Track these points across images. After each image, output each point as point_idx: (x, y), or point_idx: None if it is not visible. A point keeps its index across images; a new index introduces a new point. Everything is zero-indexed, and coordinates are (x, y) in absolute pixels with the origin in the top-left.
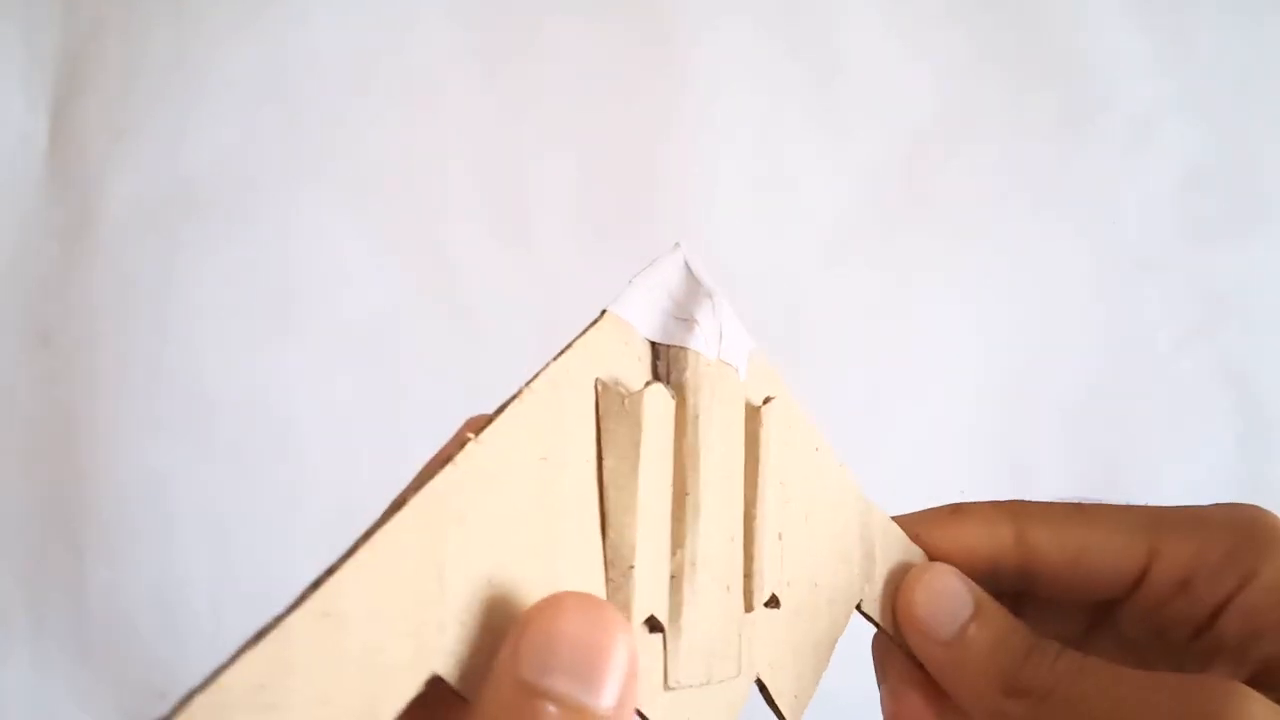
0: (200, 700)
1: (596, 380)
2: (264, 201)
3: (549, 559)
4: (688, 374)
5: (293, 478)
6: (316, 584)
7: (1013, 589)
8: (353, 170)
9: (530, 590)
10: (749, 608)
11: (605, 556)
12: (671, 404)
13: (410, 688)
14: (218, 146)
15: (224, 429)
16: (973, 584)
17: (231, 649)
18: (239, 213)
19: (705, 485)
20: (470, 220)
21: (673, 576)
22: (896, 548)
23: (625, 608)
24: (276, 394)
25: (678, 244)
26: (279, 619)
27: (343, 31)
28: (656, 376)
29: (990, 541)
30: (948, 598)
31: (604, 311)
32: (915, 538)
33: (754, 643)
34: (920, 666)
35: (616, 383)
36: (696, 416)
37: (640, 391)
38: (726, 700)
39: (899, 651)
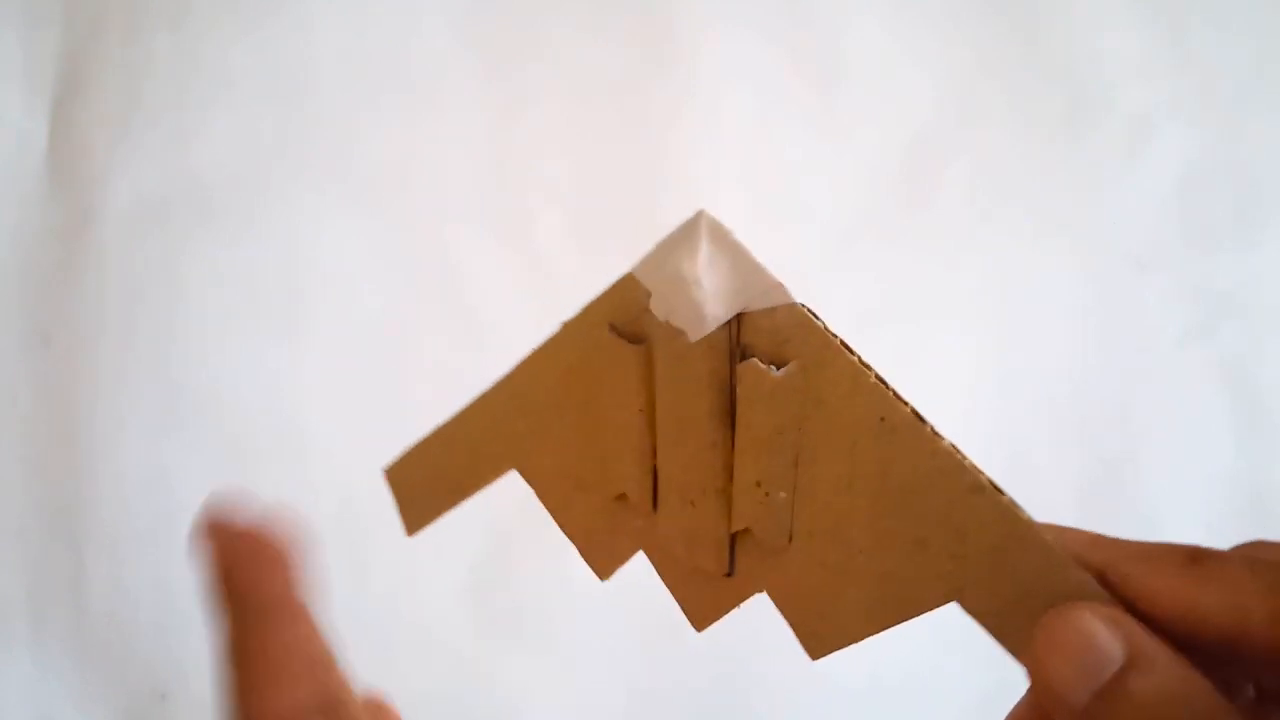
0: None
1: (610, 325)
2: (264, 201)
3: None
4: (650, 328)
5: (294, 478)
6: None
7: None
8: (354, 170)
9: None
10: (730, 529)
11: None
12: (631, 352)
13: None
14: (218, 146)
15: (225, 429)
16: (1132, 625)
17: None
18: (239, 212)
19: (665, 423)
20: (471, 220)
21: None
22: (1033, 564)
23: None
24: (277, 393)
25: (700, 210)
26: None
27: (344, 32)
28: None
29: (1234, 617)
30: (1083, 650)
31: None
32: (1117, 574)
33: (763, 565)
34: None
35: (622, 328)
36: (652, 365)
37: (608, 345)
38: (714, 584)
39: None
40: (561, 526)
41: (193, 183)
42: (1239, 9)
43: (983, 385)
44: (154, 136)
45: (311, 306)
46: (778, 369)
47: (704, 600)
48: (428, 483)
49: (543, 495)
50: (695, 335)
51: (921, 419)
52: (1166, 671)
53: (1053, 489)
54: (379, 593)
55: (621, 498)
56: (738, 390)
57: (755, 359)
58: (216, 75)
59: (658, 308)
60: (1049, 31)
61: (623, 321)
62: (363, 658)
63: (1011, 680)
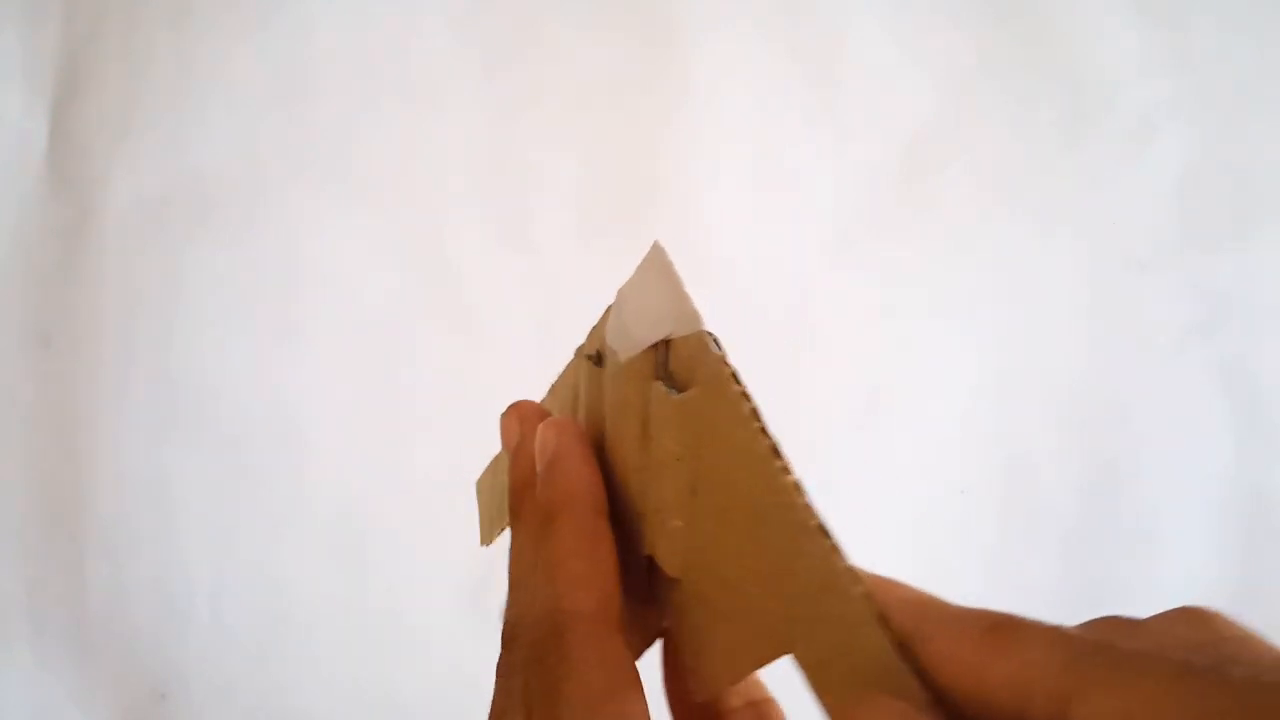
0: None
1: (596, 351)
2: (264, 201)
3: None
4: (606, 351)
5: (294, 478)
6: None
7: None
8: (354, 171)
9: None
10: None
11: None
12: (596, 378)
13: None
14: (218, 147)
15: (225, 429)
16: None
17: (232, 649)
18: (239, 213)
19: (610, 432)
20: (471, 220)
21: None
22: (840, 621)
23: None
24: (277, 393)
25: (656, 240)
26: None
27: (344, 33)
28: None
29: (1022, 693)
30: None
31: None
32: (920, 637)
33: (666, 596)
34: None
35: (598, 354)
36: (601, 379)
37: (587, 368)
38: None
39: None
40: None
41: (193, 183)
42: (1239, 9)
43: (983, 384)
44: (154, 136)
45: (311, 306)
46: (678, 393)
47: (644, 626)
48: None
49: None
50: (622, 356)
51: (778, 453)
52: None
53: (1053, 489)
54: (379, 593)
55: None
56: (649, 413)
57: (660, 382)
58: (217, 75)
59: (608, 331)
60: (1050, 32)
61: (598, 349)
62: (363, 658)
63: None
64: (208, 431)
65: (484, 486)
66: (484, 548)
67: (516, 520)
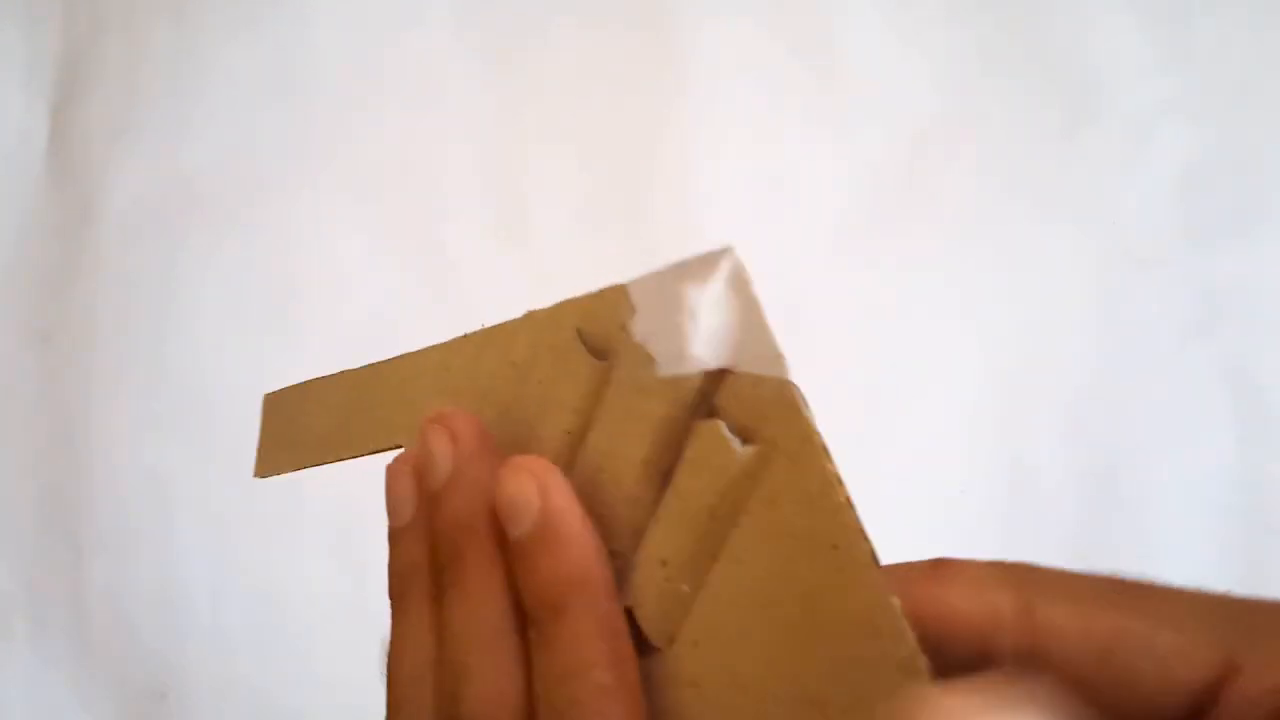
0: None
1: (577, 330)
2: (264, 200)
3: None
4: (620, 348)
5: (293, 477)
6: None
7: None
8: (353, 169)
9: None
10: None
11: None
12: (588, 366)
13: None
14: (218, 146)
15: (224, 429)
16: None
17: (232, 649)
18: (239, 212)
19: (589, 458)
20: (470, 219)
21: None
22: None
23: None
24: None
25: (730, 247)
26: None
27: (343, 31)
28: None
29: (981, 611)
30: None
31: (619, 285)
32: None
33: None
34: None
35: (589, 338)
36: (604, 388)
37: (565, 350)
38: None
39: None
40: None
41: (192, 181)
42: (1239, 9)
43: (983, 383)
44: (153, 135)
45: (310, 304)
46: (742, 444)
47: None
48: (305, 427)
49: None
50: (667, 370)
51: (876, 561)
52: None
53: (1054, 488)
54: (379, 593)
55: None
56: (686, 450)
57: (720, 421)
58: (215, 73)
59: (639, 328)
60: (1050, 28)
61: (592, 332)
62: (363, 658)
63: None
64: (207, 431)
65: (282, 404)
66: (256, 478)
67: (454, 587)
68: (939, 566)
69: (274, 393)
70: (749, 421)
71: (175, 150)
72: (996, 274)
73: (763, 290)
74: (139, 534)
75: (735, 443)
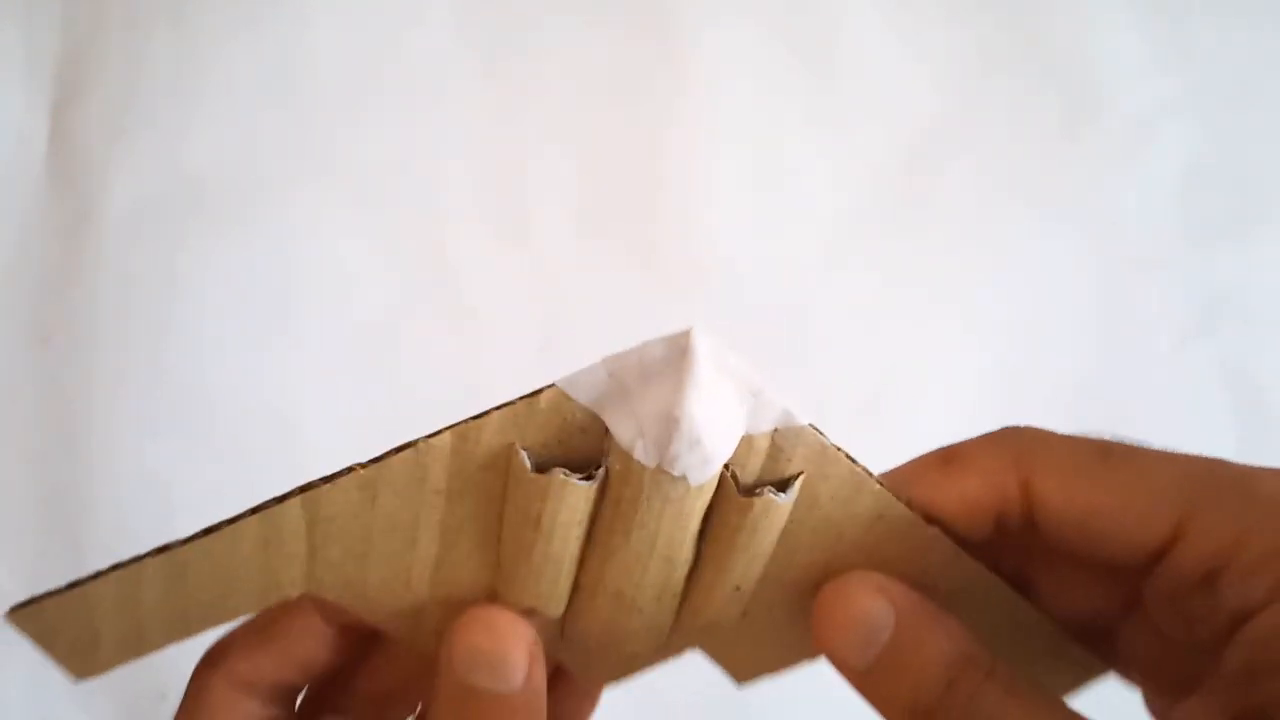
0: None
1: (515, 446)
2: (265, 201)
3: (430, 566)
4: (617, 467)
5: (293, 477)
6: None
7: (1026, 546)
8: (353, 170)
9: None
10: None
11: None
12: (582, 489)
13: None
14: (218, 146)
15: (224, 429)
16: (896, 589)
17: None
18: (239, 213)
19: (605, 542)
20: (470, 220)
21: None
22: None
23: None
24: (277, 394)
25: (690, 328)
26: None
27: (343, 31)
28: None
29: (990, 495)
30: (858, 625)
31: (552, 385)
32: (908, 497)
33: (698, 635)
34: None
35: (533, 451)
36: (619, 502)
37: (546, 475)
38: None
39: None
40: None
41: (193, 181)
42: (1239, 8)
43: (984, 383)
44: (154, 135)
45: (312, 307)
46: (778, 490)
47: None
48: (118, 623)
49: (367, 613)
50: (698, 481)
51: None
52: (918, 633)
53: None
54: None
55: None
56: (737, 537)
57: (769, 488)
58: (217, 74)
59: (634, 446)
60: (1050, 28)
61: (541, 443)
62: None
63: None
64: (207, 431)
65: (47, 614)
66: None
67: None
68: (949, 460)
69: (17, 609)
70: (771, 465)
71: (175, 150)
72: (996, 274)
73: (763, 291)
74: (139, 535)
75: (778, 498)
